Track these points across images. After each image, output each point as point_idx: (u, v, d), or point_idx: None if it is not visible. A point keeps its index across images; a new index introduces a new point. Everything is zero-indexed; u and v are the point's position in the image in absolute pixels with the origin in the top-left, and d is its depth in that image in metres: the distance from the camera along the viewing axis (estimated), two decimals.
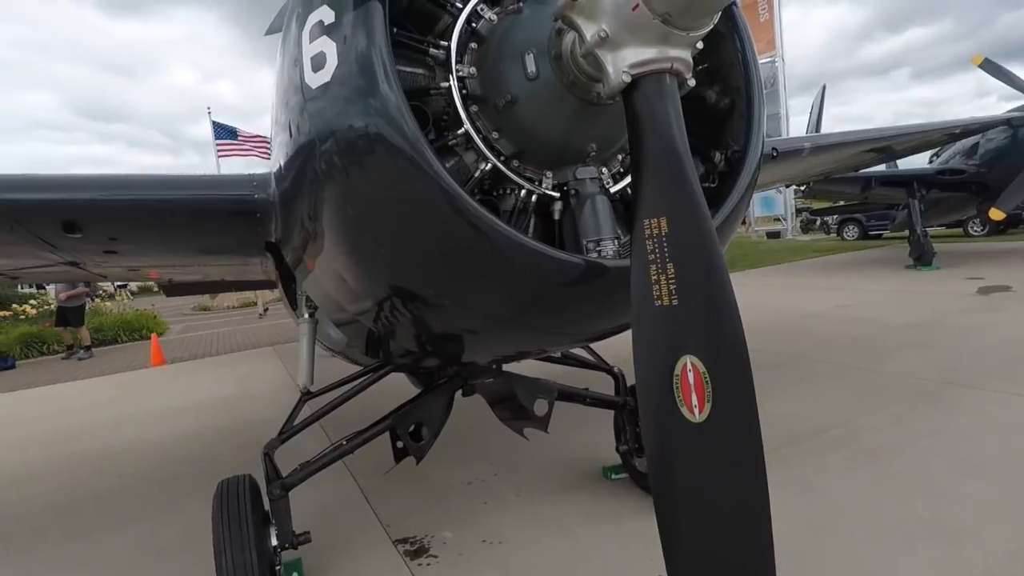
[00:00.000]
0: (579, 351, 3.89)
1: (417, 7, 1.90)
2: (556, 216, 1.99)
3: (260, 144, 21.51)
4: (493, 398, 3.42)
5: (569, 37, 1.65)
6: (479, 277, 1.77)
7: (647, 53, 1.46)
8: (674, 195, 1.50)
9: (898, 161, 14.41)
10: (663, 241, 1.50)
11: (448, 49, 1.87)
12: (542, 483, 4.12)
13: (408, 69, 1.90)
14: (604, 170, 2.04)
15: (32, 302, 17.36)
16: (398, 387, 3.86)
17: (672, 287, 1.49)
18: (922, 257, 13.06)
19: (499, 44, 1.86)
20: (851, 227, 24.33)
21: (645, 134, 1.53)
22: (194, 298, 21.81)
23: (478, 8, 1.91)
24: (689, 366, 1.48)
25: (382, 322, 2.26)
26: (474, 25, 1.91)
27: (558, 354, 3.66)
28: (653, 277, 1.51)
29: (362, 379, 3.55)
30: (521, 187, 1.93)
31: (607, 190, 2.02)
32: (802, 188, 15.63)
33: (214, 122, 22.36)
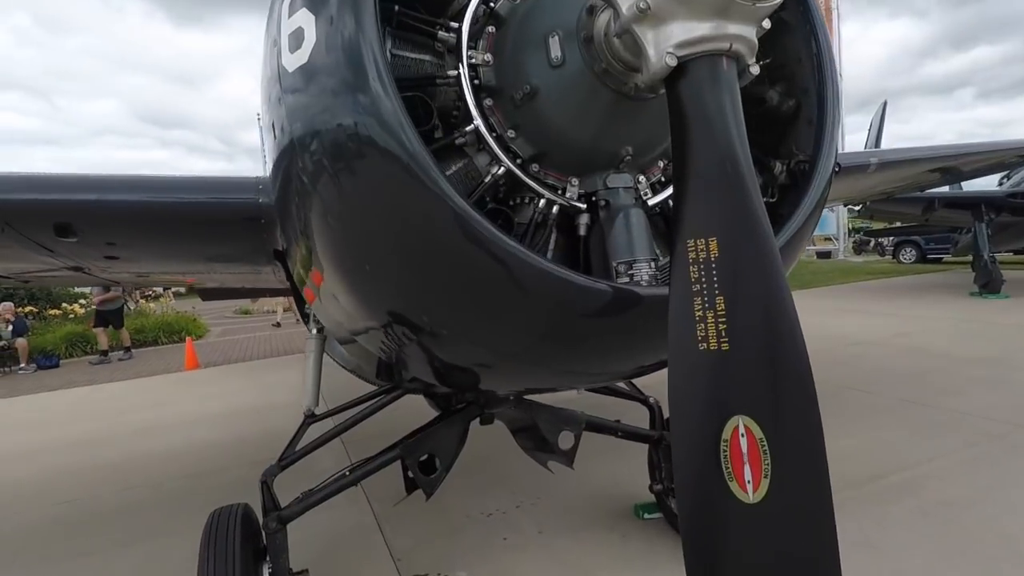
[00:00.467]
0: None
1: None
2: (581, 231, 1.68)
3: None
4: (514, 426, 3.12)
5: (603, 17, 1.36)
6: (486, 307, 1.48)
7: (699, 29, 1.16)
8: (728, 210, 1.18)
9: (962, 184, 13.60)
10: (711, 268, 1.18)
11: (459, 31, 1.59)
12: (567, 519, 3.81)
13: (412, 55, 1.64)
14: (641, 178, 1.72)
15: (82, 301, 17.81)
16: (418, 405, 3.58)
17: (722, 327, 1.17)
18: (989, 284, 12.22)
19: (519, 26, 1.57)
20: (908, 249, 23.18)
21: (693, 133, 1.22)
22: (236, 301, 22.08)
23: None
24: (742, 429, 1.16)
25: (384, 348, 1.99)
26: (492, 5, 1.62)
27: None
28: (697, 313, 1.19)
29: (373, 401, 3.28)
30: (540, 196, 1.63)
31: (644, 202, 1.71)
32: (857, 207, 14.89)
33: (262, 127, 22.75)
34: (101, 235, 2.75)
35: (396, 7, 1.54)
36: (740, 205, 1.17)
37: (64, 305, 17.28)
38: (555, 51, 1.47)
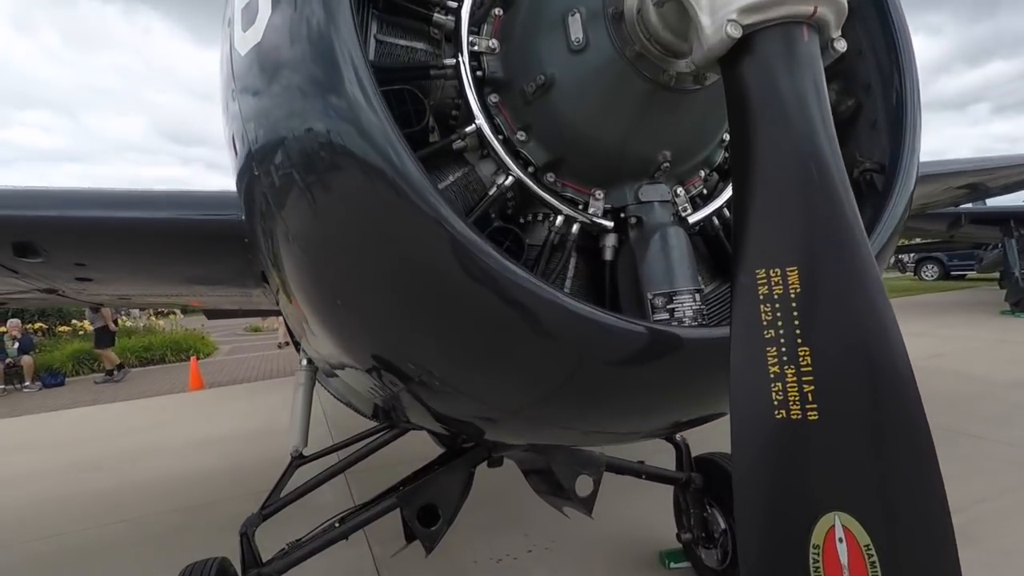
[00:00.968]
0: None
1: None
2: (607, 256, 1.36)
3: None
4: (526, 467, 2.80)
5: None
6: (485, 353, 1.17)
7: None
8: (814, 229, 0.87)
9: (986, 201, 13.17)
10: (791, 307, 0.87)
11: (458, 12, 1.30)
12: (585, 566, 3.48)
13: (402, 42, 1.35)
14: (679, 190, 1.41)
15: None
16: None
17: (808, 389, 0.86)
18: (1021, 303, 11.74)
19: (532, 3, 1.28)
20: (930, 266, 22.58)
21: (763, 128, 0.92)
22: (247, 318, 21.90)
23: None
24: (839, 532, 0.85)
25: (372, 391, 1.69)
26: None
27: None
28: (772, 368, 0.88)
29: (372, 439, 2.97)
30: (557, 212, 1.32)
31: (684, 219, 1.40)
32: None
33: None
34: (68, 255, 2.48)
35: None
36: (830, 222, 0.86)
37: (74, 322, 17.15)
38: (576, 32, 1.18)
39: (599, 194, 1.34)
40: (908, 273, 25.27)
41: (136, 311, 21.27)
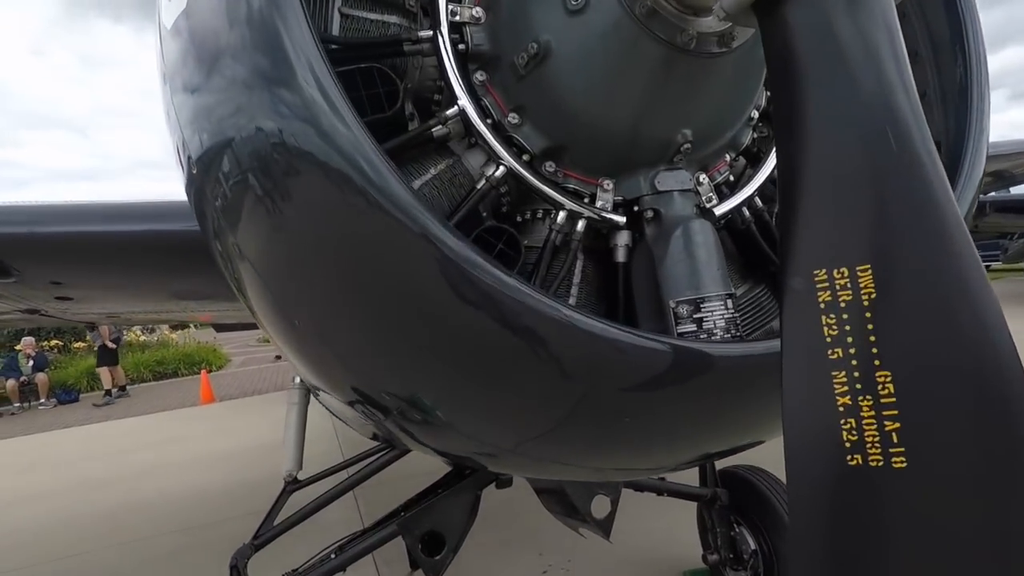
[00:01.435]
0: None
1: None
2: (620, 257, 1.16)
3: None
4: (538, 486, 2.59)
5: None
6: (473, 383, 0.97)
7: None
8: (894, 215, 0.67)
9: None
10: (863, 318, 0.67)
11: None
12: None
13: (373, 16, 1.16)
14: (703, 177, 1.20)
15: None
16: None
17: (890, 427, 0.65)
18: None
19: None
20: None
21: (815, 88, 0.71)
22: (258, 330, 21.89)
23: None
24: None
25: (362, 418, 1.50)
26: None
27: None
28: (840, 400, 0.67)
29: (372, 459, 2.78)
30: (559, 207, 1.12)
31: (709, 211, 1.19)
32: None
33: None
34: (43, 273, 2.33)
35: None
36: (915, 209, 0.66)
37: (89, 338, 17.20)
38: None
39: (608, 184, 1.13)
40: None
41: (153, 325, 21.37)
